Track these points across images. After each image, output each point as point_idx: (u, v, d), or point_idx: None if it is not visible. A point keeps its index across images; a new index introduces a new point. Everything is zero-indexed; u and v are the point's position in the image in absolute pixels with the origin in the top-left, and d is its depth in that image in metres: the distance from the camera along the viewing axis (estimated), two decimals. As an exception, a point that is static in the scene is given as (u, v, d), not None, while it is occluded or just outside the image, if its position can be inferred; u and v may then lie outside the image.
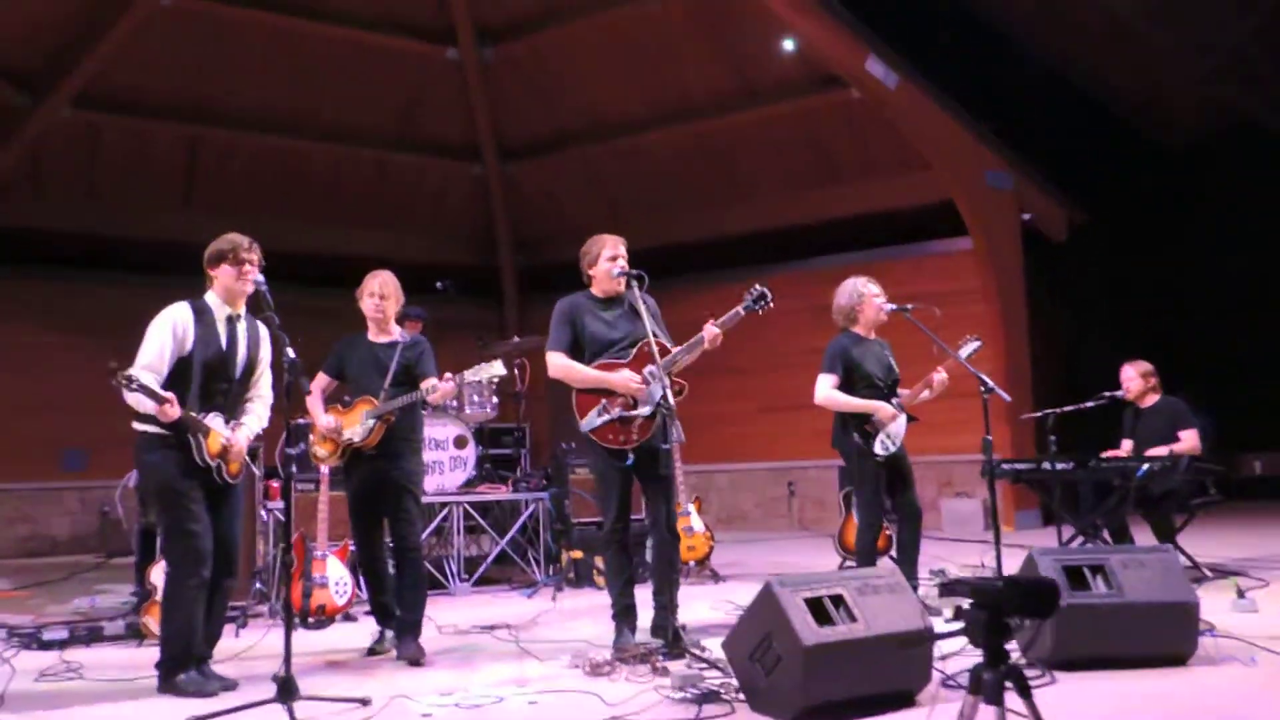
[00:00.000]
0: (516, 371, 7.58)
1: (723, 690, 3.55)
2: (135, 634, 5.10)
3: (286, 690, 3.39)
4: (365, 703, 3.62)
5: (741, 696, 3.47)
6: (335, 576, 5.64)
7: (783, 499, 11.27)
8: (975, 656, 3.87)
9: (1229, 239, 11.48)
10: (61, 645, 4.91)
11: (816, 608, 3.30)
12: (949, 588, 1.83)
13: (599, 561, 6.68)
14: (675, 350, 4.42)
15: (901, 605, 3.44)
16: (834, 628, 3.26)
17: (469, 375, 4.62)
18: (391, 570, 4.80)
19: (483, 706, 3.58)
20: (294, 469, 6.15)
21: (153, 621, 5.01)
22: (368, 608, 5.88)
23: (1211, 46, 10.77)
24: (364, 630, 5.23)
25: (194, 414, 3.89)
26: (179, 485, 3.88)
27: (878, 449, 5.15)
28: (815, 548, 8.98)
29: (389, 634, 4.67)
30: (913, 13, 10.40)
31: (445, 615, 5.54)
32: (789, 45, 9.90)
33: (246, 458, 4.12)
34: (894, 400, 5.21)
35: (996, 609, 1.74)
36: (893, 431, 5.17)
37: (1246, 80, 11.18)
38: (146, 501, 6.11)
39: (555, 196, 12.54)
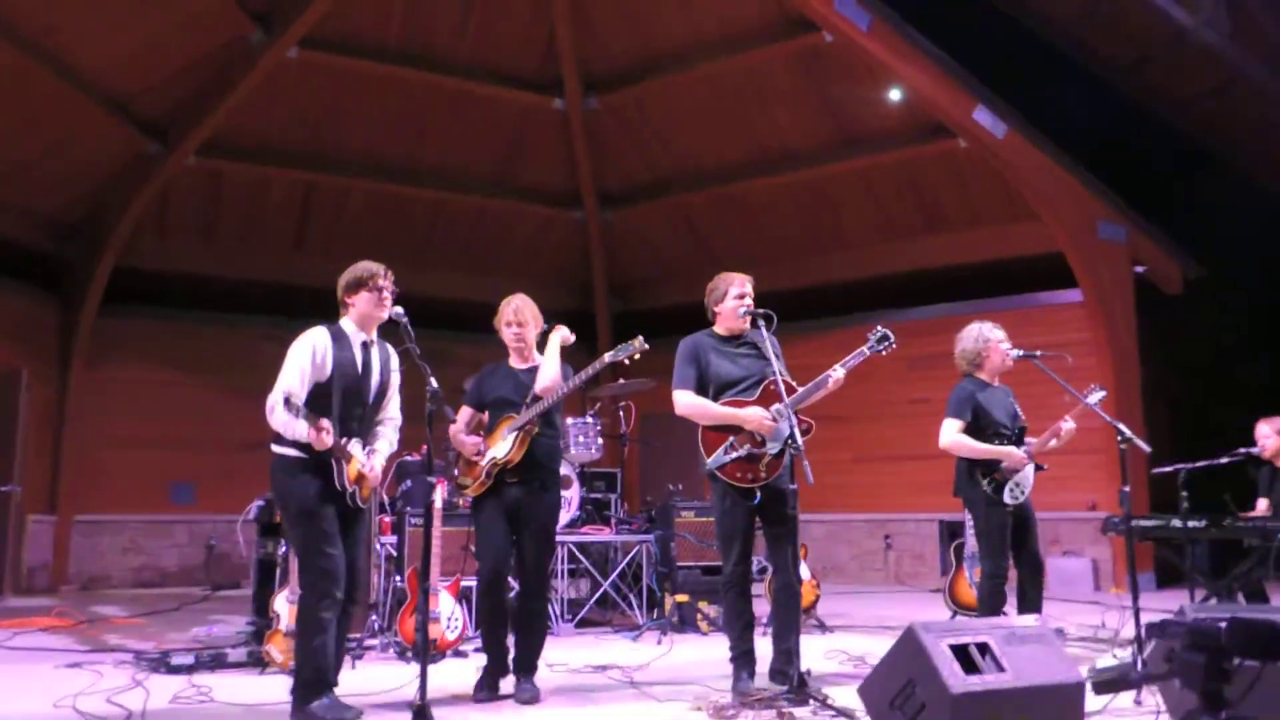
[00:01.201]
0: (621, 414, 7.61)
1: (857, 739, 3.46)
2: (257, 661, 5.21)
3: (421, 717, 3.41)
4: (494, 735, 3.62)
5: (878, 745, 3.38)
6: (447, 611, 5.68)
7: (879, 552, 11.04)
8: (1121, 715, 3.72)
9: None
10: (189, 670, 5.03)
11: (962, 655, 3.20)
12: (1161, 628, 1.75)
13: (703, 606, 6.62)
14: (801, 389, 4.39)
15: (1050, 656, 3.32)
16: (982, 676, 3.16)
17: (608, 357, 4.49)
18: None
19: (612, 744, 3.54)
20: (407, 504, 6.34)
21: (275, 650, 5.12)
22: (477, 644, 5.94)
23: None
24: (475, 665, 5.24)
25: (339, 440, 3.97)
26: (317, 508, 3.93)
27: (1007, 498, 5.02)
28: (916, 601, 8.76)
29: (495, 680, 4.48)
30: (1021, 62, 10.31)
31: (553, 655, 5.50)
32: (895, 95, 9.89)
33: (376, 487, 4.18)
34: (1023, 448, 5.07)
35: (1215, 652, 1.66)
36: (1022, 480, 5.04)
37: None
38: (267, 532, 6.27)
39: (652, 243, 12.67)
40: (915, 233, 11.07)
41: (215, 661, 5.20)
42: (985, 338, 5.20)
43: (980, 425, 5.07)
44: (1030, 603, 5.04)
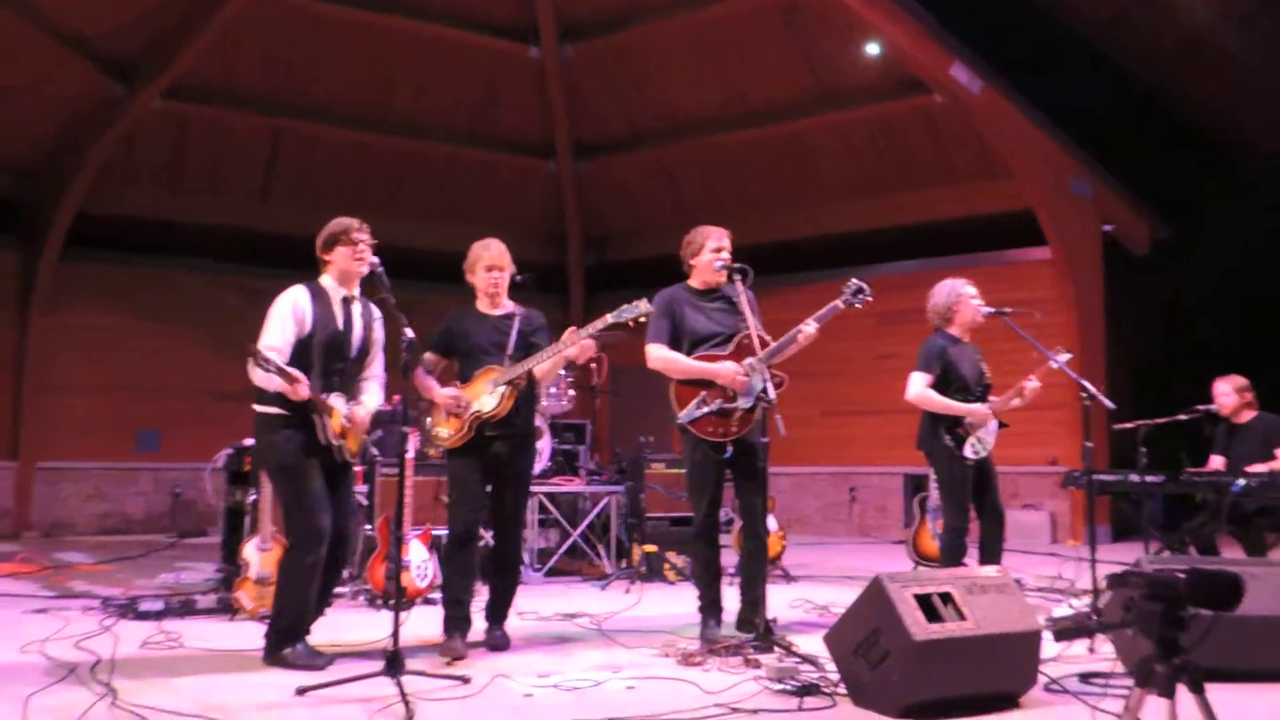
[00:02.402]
0: (593, 366, 7.62)
1: (821, 684, 3.54)
2: (227, 608, 5.22)
3: (394, 664, 3.44)
4: (466, 681, 3.67)
5: (842, 690, 3.46)
6: (417, 560, 5.72)
7: (843, 504, 11.20)
8: (1075, 664, 3.83)
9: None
10: (158, 616, 5.03)
11: (925, 604, 3.27)
12: (1122, 578, 1.80)
13: (671, 556, 6.71)
14: (774, 344, 4.41)
15: (1010, 605, 3.40)
16: (943, 625, 3.23)
17: (610, 318, 4.25)
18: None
19: (582, 690, 3.61)
20: (376, 453, 6.33)
21: (244, 597, 5.13)
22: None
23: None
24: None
25: (319, 394, 3.95)
26: (302, 463, 3.94)
27: (968, 452, 5.08)
28: (880, 553, 8.92)
29: (458, 638, 4.28)
30: (997, 20, 10.27)
31: (523, 603, 5.52)
32: (873, 49, 9.84)
33: (365, 437, 4.18)
34: (989, 401, 5.15)
35: (1173, 601, 1.71)
36: (984, 435, 5.11)
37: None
38: (236, 480, 6.26)
39: (627, 195, 12.60)
40: (890, 188, 11.08)
41: (184, 608, 5.21)
42: (957, 293, 5.24)
43: (947, 380, 5.12)
44: (991, 554, 5.13)
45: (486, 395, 4.35)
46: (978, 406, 5.10)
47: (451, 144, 11.82)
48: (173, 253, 10.98)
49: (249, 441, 5.98)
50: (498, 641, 4.41)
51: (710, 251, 4.57)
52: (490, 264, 4.48)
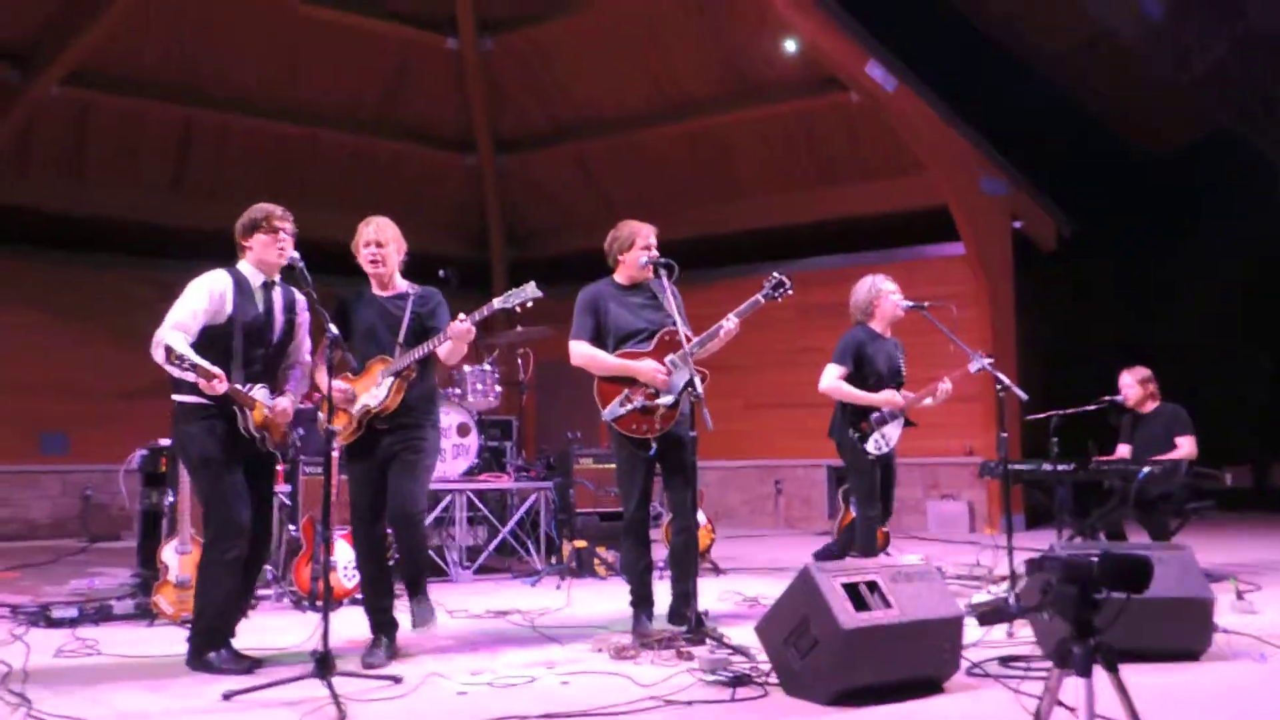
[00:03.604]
0: (520, 362, 7.60)
1: (753, 674, 3.61)
2: (146, 613, 5.07)
3: (324, 665, 3.40)
4: (397, 680, 3.64)
5: (774, 680, 3.53)
6: (344, 560, 5.63)
7: (769, 496, 11.36)
8: (995, 648, 3.97)
9: (1212, 248, 11.73)
10: (72, 623, 4.86)
11: (853, 593, 3.36)
12: (1038, 564, 1.89)
13: (601, 551, 6.73)
14: (696, 339, 4.46)
15: (933, 593, 3.52)
16: (870, 613, 3.33)
17: (497, 303, 4.11)
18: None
19: (516, 686, 3.61)
20: (298, 451, 6.22)
21: (164, 601, 5.00)
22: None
23: (1189, 58, 11.00)
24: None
25: (238, 386, 3.86)
26: (222, 456, 3.85)
27: (870, 448, 5.21)
28: (806, 544, 9.04)
29: (384, 643, 4.12)
30: (911, 18, 10.51)
31: (453, 601, 5.55)
32: (790, 46, 9.97)
33: (288, 429, 4.09)
34: (903, 394, 5.29)
35: (1087, 584, 1.80)
36: (888, 432, 5.25)
37: (1224, 92, 11.43)
38: (151, 482, 6.08)
39: (549, 190, 12.56)
40: (808, 184, 11.25)
41: (100, 614, 5.05)
42: (877, 288, 5.38)
43: (862, 374, 5.26)
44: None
45: (375, 387, 4.12)
46: (889, 394, 5.22)
47: (366, 135, 11.60)
48: (76, 247, 10.56)
49: (165, 442, 5.83)
50: (421, 617, 4.13)
51: (640, 249, 4.60)
52: (368, 239, 4.23)
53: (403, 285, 4.32)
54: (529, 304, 4.22)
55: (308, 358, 4.21)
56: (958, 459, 10.26)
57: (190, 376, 3.73)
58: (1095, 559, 1.80)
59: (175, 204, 10.94)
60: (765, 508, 11.34)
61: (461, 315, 4.07)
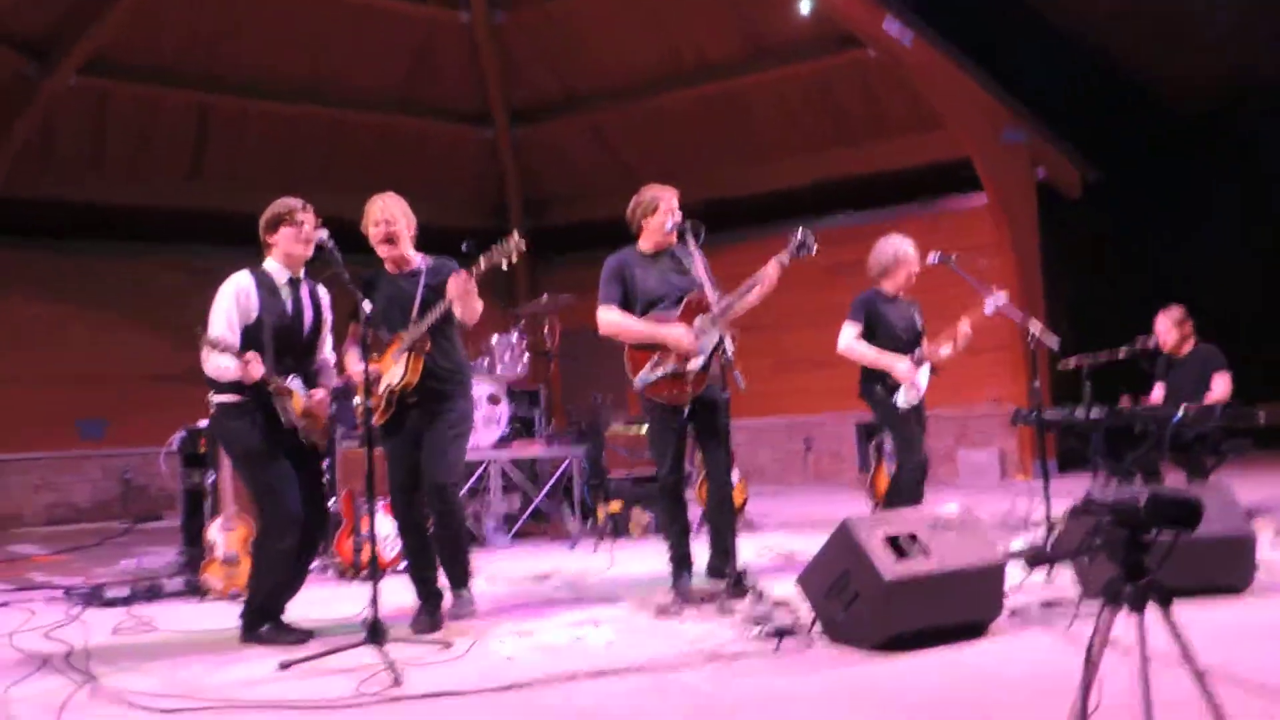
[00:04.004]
0: (546, 332, 7.64)
1: (796, 626, 3.65)
2: (195, 590, 5.18)
3: (376, 633, 3.48)
4: (448, 646, 3.72)
5: (817, 630, 3.58)
6: (384, 531, 5.72)
7: (798, 453, 11.39)
8: (1032, 594, 4.00)
9: (1238, 199, 11.57)
10: (125, 602, 4.99)
11: (893, 544, 3.40)
12: (1084, 508, 1.91)
13: (636, 513, 6.81)
14: (724, 300, 4.46)
15: (973, 540, 3.54)
16: (910, 562, 3.36)
17: (483, 261, 4.01)
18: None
19: (563, 647, 3.68)
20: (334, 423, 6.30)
21: (213, 578, 5.11)
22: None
23: (1218, 9, 10.77)
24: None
25: (274, 376, 3.91)
26: (266, 448, 3.91)
27: (899, 401, 5.23)
28: (838, 498, 9.10)
29: (431, 611, 4.18)
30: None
31: (493, 567, 5.63)
32: (805, 5, 9.85)
33: (329, 423, 4.14)
34: (915, 353, 5.25)
35: (1137, 525, 1.82)
36: (916, 383, 5.25)
37: (1251, 43, 11.20)
38: (191, 462, 6.20)
39: (565, 159, 12.54)
40: (828, 143, 11.18)
41: (151, 592, 5.17)
42: (899, 254, 5.35)
43: (875, 332, 5.29)
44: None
45: (395, 366, 4.13)
46: (897, 363, 5.19)
47: (384, 113, 11.62)
48: (100, 236, 10.69)
49: (203, 423, 5.92)
50: (462, 609, 4.26)
51: (664, 212, 4.59)
52: (376, 218, 4.23)
53: (416, 260, 4.30)
54: (514, 257, 4.05)
55: (330, 354, 4.24)
56: (986, 408, 10.25)
57: (227, 365, 3.80)
58: (1142, 501, 1.82)
59: (195, 189, 11.02)
60: (795, 464, 11.38)
61: (451, 280, 4.04)
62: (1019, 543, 4.99)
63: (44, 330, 10.22)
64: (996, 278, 9.35)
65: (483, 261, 4.02)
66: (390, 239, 4.22)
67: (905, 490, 5.23)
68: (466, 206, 12.44)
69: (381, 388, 4.10)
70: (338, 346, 4.28)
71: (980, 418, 10.30)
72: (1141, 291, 11.14)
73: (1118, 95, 11.97)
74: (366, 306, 3.77)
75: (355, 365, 4.11)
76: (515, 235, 4.02)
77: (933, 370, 5.36)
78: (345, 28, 10.80)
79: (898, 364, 5.20)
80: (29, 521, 10.05)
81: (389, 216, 4.22)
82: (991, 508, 7.35)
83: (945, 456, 10.38)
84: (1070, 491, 6.21)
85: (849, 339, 5.30)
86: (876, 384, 5.27)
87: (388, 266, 4.32)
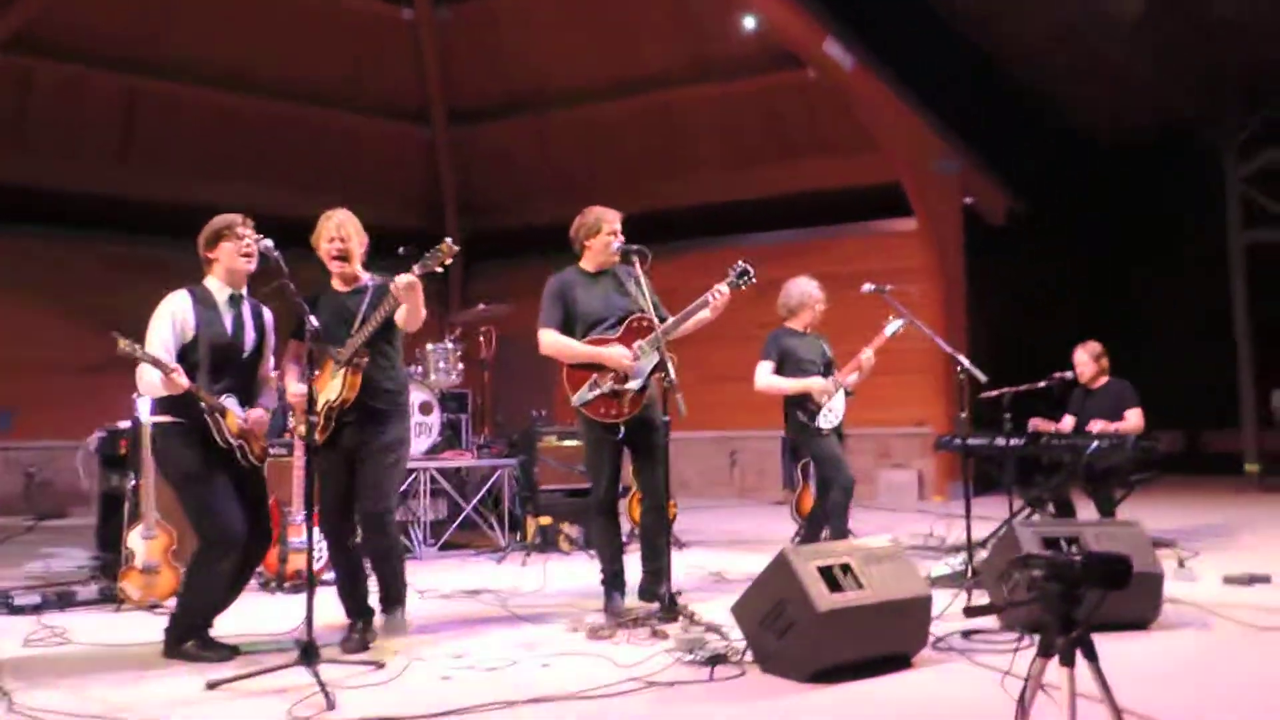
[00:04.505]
0: (482, 340, 7.61)
1: (729, 653, 3.71)
2: (111, 598, 5.03)
3: (309, 654, 3.43)
4: (380, 666, 3.69)
5: (749, 658, 3.64)
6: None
7: (724, 467, 11.52)
8: (955, 621, 4.12)
9: (1146, 230, 12.12)
10: (36, 610, 4.81)
11: (827, 576, 3.48)
12: (1024, 561, 2.00)
13: (565, 527, 6.81)
14: (666, 322, 4.54)
15: (903, 573, 3.65)
16: (844, 594, 3.44)
17: (416, 269, 3.96)
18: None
19: (499, 669, 3.67)
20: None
21: (130, 586, 4.97)
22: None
23: (1139, 59, 11.24)
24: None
25: (205, 392, 3.83)
26: (202, 470, 3.84)
27: (822, 423, 5.52)
28: (762, 515, 9.25)
29: (361, 628, 4.13)
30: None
31: (421, 580, 5.57)
32: (750, 23, 10.01)
33: (265, 441, 4.07)
34: (832, 376, 5.63)
35: (1072, 582, 1.92)
36: (834, 406, 5.55)
37: (1171, 91, 11.72)
38: (111, 464, 6.01)
39: (504, 162, 12.49)
40: (764, 160, 11.36)
41: (64, 600, 5.00)
42: (809, 295, 5.66)
43: (788, 364, 5.59)
44: (832, 522, 5.57)
45: (332, 381, 4.08)
46: (816, 381, 5.54)
47: (320, 107, 11.46)
48: (18, 219, 10.28)
49: (123, 424, 5.76)
50: (395, 627, 4.23)
51: (608, 234, 4.65)
52: (331, 234, 4.18)
53: (364, 278, 4.26)
54: (448, 261, 4.04)
55: (271, 373, 4.18)
56: (908, 429, 10.51)
57: (151, 376, 3.75)
58: (1079, 559, 1.92)
59: (123, 175, 10.70)
60: (720, 478, 11.50)
61: (397, 277, 3.99)
62: (939, 569, 5.14)
63: (-50, 314, 9.80)
64: (924, 303, 9.66)
65: (417, 269, 3.97)
66: (343, 255, 4.19)
67: (835, 511, 5.38)
68: (402, 206, 12.30)
69: (320, 404, 4.01)
70: (278, 365, 4.20)
71: (901, 438, 10.55)
72: (1060, 316, 11.59)
73: (1040, 128, 12.41)
74: (313, 320, 3.72)
75: (295, 387, 4.03)
76: (448, 241, 4.00)
77: (848, 393, 5.65)
78: (285, 18, 10.62)
79: (814, 383, 5.52)
80: (-79, 516, 9.60)
81: (344, 235, 4.19)
82: (911, 528, 7.58)
83: (865, 476, 10.58)
84: (985, 515, 6.44)
85: (764, 375, 5.62)
86: (798, 410, 5.55)
87: (335, 283, 4.28)
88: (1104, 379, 6.69)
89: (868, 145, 10.58)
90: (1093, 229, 12.52)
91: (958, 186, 10.91)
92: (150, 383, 3.81)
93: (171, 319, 3.87)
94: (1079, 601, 1.95)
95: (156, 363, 3.73)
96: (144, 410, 4.90)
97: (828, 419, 5.50)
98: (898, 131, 10.44)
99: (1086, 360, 6.66)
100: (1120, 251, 12.67)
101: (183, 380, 3.75)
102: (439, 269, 4.05)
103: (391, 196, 12.18)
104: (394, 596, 4.29)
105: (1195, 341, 12.62)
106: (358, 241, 4.23)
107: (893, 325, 5.71)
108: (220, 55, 10.62)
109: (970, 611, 2.26)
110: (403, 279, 3.95)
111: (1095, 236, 12.62)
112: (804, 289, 5.71)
